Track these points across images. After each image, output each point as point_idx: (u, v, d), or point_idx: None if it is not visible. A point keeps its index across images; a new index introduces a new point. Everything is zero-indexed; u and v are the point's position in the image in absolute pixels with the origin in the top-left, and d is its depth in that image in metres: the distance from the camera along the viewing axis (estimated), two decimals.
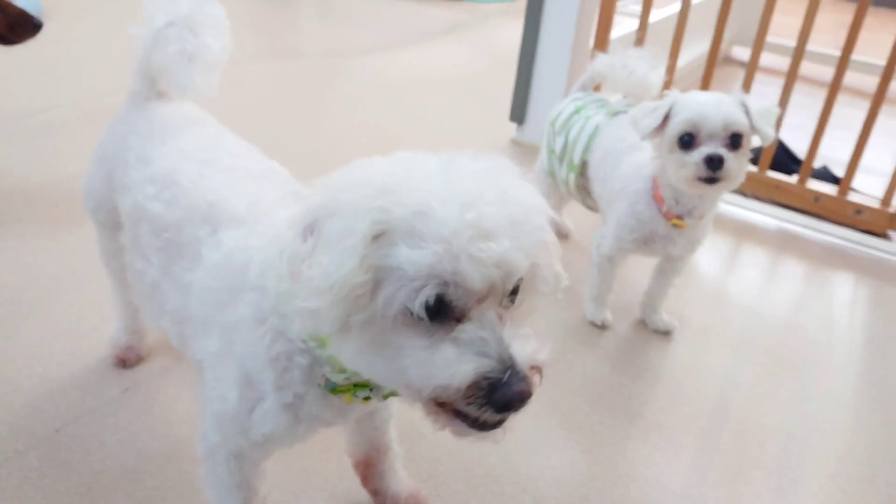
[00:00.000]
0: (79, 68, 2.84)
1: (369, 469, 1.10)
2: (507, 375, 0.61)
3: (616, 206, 1.56)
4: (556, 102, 2.47)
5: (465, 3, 4.92)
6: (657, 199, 1.48)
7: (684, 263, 1.62)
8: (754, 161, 2.40)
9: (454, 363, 0.61)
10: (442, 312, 0.62)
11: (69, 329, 1.43)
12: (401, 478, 1.13)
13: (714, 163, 1.33)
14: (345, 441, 1.12)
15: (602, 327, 1.65)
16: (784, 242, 2.16)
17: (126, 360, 1.35)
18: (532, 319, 0.72)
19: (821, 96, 2.19)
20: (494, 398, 0.61)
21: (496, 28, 4.35)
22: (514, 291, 0.67)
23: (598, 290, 1.64)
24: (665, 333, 1.65)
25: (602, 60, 1.73)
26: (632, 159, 1.57)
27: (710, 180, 1.36)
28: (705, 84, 2.28)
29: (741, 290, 1.89)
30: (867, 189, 2.47)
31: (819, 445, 1.38)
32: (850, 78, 3.67)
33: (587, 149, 1.67)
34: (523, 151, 2.54)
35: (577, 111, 1.76)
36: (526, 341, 0.64)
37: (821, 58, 3.88)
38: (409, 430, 1.27)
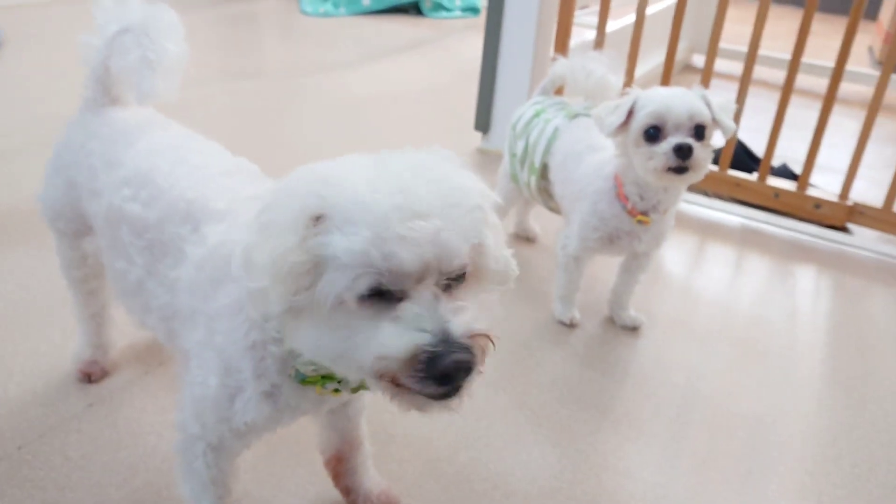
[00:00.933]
0: (35, 94, 2.82)
1: (340, 465, 1.10)
2: (443, 347, 0.63)
3: (579, 206, 1.58)
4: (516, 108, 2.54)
5: (427, 19, 4.97)
6: (620, 196, 1.50)
7: (649, 260, 1.64)
8: (714, 161, 2.45)
9: (392, 338, 0.63)
10: (382, 295, 0.64)
11: (29, 348, 1.40)
12: (372, 475, 1.12)
13: (683, 152, 1.36)
14: (317, 437, 1.11)
15: (571, 325, 1.66)
16: (747, 239, 2.20)
17: (90, 375, 1.33)
18: (487, 304, 0.73)
19: (777, 99, 2.24)
20: (433, 370, 0.63)
21: (459, 42, 4.40)
22: (461, 278, 0.68)
23: (566, 290, 1.66)
24: (633, 329, 1.67)
25: (562, 63, 1.76)
26: (592, 159, 1.58)
27: (680, 170, 1.38)
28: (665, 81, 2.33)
29: (706, 286, 1.91)
30: (825, 186, 2.52)
31: (785, 430, 1.40)
32: (806, 81, 3.78)
33: (547, 151, 1.69)
34: (489, 159, 2.56)
35: (537, 115, 1.78)
36: (462, 313, 0.66)
37: (775, 62, 3.99)
38: (378, 431, 1.27)
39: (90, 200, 1.05)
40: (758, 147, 2.64)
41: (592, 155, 1.59)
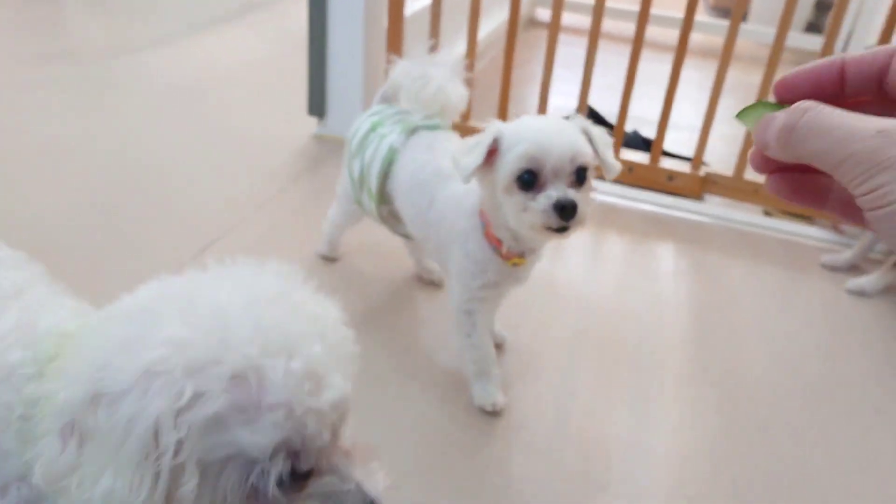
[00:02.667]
0: None
1: None
2: None
3: (449, 251, 1.31)
4: (355, 89, 2.30)
5: None
6: (489, 237, 1.23)
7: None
8: None
9: None
10: (294, 477, 0.56)
11: None
12: None
13: (567, 211, 1.07)
14: None
15: (493, 413, 1.33)
16: (604, 217, 2.11)
17: None
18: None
19: (622, 53, 2.13)
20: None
21: (288, 8, 4.04)
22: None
23: (477, 363, 1.33)
24: (498, 347, 1.52)
25: (401, 68, 1.47)
26: (446, 193, 1.31)
27: (561, 229, 1.11)
28: (509, 50, 2.16)
29: (570, 280, 1.80)
30: (678, 145, 2.48)
31: (662, 448, 1.30)
32: (656, 33, 3.75)
33: (384, 175, 1.41)
34: (328, 147, 2.32)
35: (373, 128, 1.48)
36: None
37: (624, 14, 3.94)
38: None
39: None
40: (607, 106, 2.56)
41: (446, 186, 1.31)
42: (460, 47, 2.96)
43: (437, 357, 1.47)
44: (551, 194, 1.08)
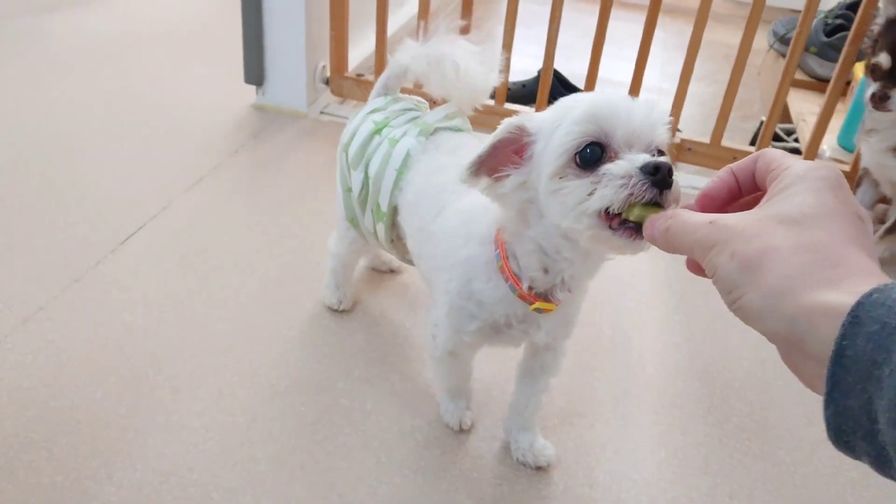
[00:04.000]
0: None
1: None
2: None
3: (441, 277, 1.01)
4: (296, 53, 2.07)
5: None
6: (506, 270, 0.91)
7: (558, 356, 1.09)
8: (529, 100, 2.15)
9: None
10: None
11: None
12: None
13: (662, 176, 0.65)
14: None
15: (461, 431, 1.17)
16: None
17: None
18: None
19: (594, 12, 1.94)
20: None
21: None
22: None
23: (448, 383, 1.15)
24: (536, 470, 1.14)
25: (410, 50, 1.16)
26: (460, 205, 1.00)
27: (652, 207, 0.65)
28: (466, 10, 1.96)
29: None
30: None
31: (650, 460, 1.16)
32: None
33: (397, 186, 1.12)
34: (269, 118, 2.10)
35: (377, 130, 1.16)
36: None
37: None
38: None
39: None
40: (573, 67, 2.38)
41: (460, 197, 1.00)
42: (411, 7, 2.74)
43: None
44: (634, 157, 0.69)
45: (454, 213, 0.99)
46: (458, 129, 1.15)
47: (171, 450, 1.07)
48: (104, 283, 1.38)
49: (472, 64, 1.09)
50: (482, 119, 1.95)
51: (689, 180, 2.01)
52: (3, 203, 1.59)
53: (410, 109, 1.21)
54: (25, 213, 1.56)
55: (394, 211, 1.13)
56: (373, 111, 1.20)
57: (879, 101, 1.56)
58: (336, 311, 1.38)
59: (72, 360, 1.20)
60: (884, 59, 1.54)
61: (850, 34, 1.76)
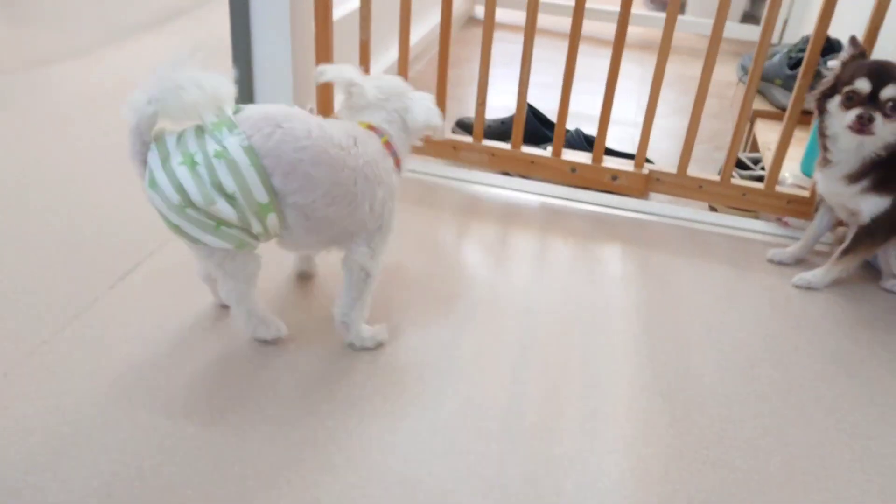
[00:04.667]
0: None
1: None
2: None
3: (363, 207, 1.32)
4: (284, 100, 2.18)
5: None
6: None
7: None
8: (504, 136, 2.26)
9: None
10: None
11: None
12: None
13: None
14: None
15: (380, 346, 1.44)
16: (548, 220, 2.04)
17: None
18: None
19: (560, 48, 2.06)
20: None
21: (211, 13, 3.87)
22: None
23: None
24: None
25: (137, 101, 1.27)
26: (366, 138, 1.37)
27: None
28: (443, 49, 2.07)
29: (512, 292, 1.72)
30: (621, 142, 2.44)
31: (614, 469, 1.24)
32: (594, 28, 3.71)
33: (263, 173, 1.22)
34: None
35: (190, 165, 1.18)
36: None
37: (562, 9, 3.90)
38: None
39: None
40: (547, 104, 2.50)
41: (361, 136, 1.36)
42: (394, 51, 2.87)
43: None
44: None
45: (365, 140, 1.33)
46: (238, 111, 1.22)
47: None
48: (103, 318, 1.47)
49: (209, 78, 1.15)
50: (462, 155, 2.08)
51: (661, 209, 2.11)
52: (6, 246, 1.68)
53: (184, 132, 1.20)
54: (28, 255, 1.66)
55: (274, 195, 1.19)
56: (164, 161, 1.18)
57: (868, 122, 1.55)
58: (274, 340, 1.44)
59: (75, 389, 1.29)
60: (863, 84, 1.56)
61: (802, 67, 1.88)
